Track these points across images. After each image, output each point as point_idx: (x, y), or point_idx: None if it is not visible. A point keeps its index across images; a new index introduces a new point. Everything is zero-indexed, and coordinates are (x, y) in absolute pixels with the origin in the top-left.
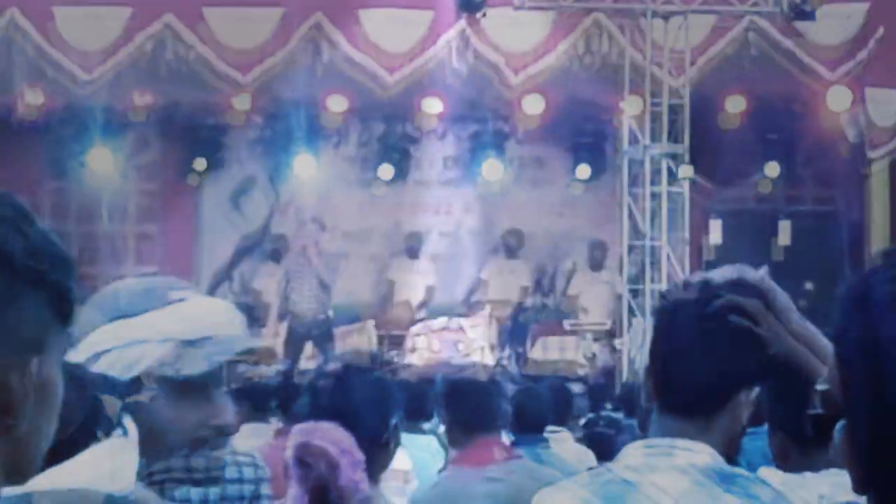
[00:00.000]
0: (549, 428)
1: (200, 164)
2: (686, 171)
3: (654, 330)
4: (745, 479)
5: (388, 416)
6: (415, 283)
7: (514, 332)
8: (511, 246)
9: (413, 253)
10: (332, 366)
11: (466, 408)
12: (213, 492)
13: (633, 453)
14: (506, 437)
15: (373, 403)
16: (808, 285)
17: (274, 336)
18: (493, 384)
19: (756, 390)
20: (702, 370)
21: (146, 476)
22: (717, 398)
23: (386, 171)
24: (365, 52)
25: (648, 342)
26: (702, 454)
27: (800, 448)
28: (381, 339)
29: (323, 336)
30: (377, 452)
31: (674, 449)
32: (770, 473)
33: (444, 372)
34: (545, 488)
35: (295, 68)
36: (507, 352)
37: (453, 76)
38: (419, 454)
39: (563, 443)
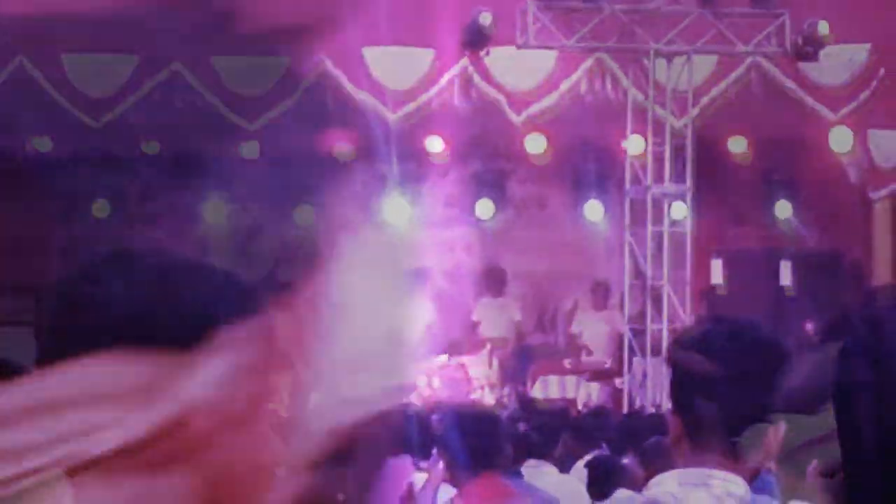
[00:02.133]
0: (530, 462)
1: (209, 209)
2: (681, 210)
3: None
4: None
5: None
6: (415, 321)
7: (515, 370)
8: (494, 284)
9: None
10: None
11: (468, 446)
12: None
13: (667, 482)
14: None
15: None
16: (809, 326)
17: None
18: (494, 423)
19: (783, 427)
20: (733, 403)
21: None
22: (749, 432)
23: (388, 209)
24: (368, 90)
25: (650, 381)
26: (737, 485)
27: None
28: None
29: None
30: None
31: (711, 479)
32: None
33: (446, 409)
34: None
35: (301, 115)
36: (506, 390)
37: (456, 115)
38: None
39: (545, 476)
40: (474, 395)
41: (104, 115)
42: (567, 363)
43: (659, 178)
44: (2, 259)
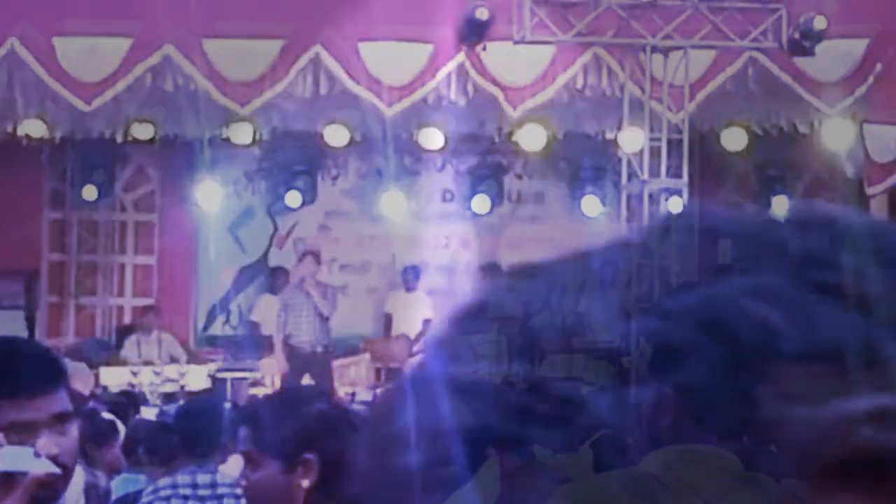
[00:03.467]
0: None
1: (200, 194)
2: (677, 205)
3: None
4: (770, 482)
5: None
6: (412, 316)
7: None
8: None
9: (411, 286)
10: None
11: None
12: None
13: (660, 458)
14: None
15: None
16: None
17: (276, 367)
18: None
19: None
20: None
21: (152, 492)
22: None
23: (384, 203)
24: (364, 85)
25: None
26: (731, 460)
27: None
28: (378, 372)
29: (321, 368)
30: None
31: (701, 453)
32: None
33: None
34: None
35: (294, 100)
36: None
37: (452, 109)
38: None
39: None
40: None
41: (95, 98)
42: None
43: (655, 173)
44: None
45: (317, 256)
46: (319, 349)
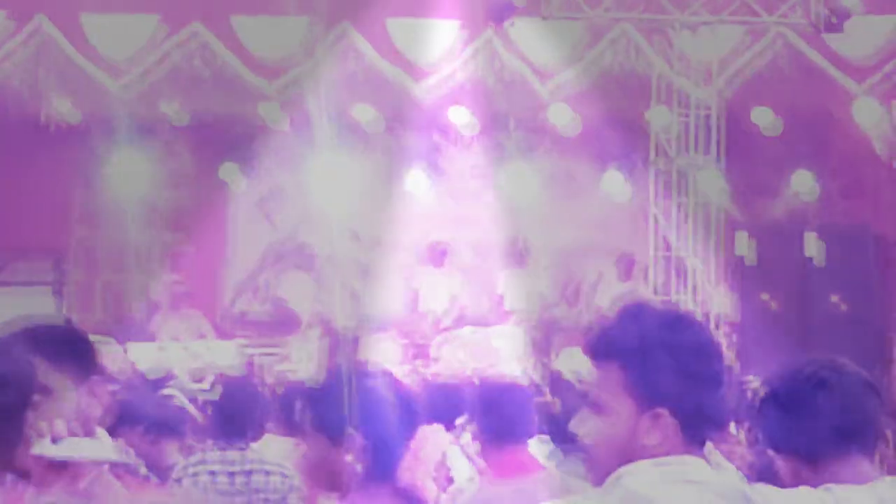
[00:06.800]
0: None
1: (229, 172)
2: (706, 181)
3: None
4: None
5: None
6: (440, 292)
7: (539, 342)
8: (518, 255)
9: (439, 262)
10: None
11: (494, 418)
12: (240, 481)
13: (645, 472)
14: (537, 447)
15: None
16: (834, 298)
17: (305, 343)
18: (520, 394)
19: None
20: None
21: (181, 468)
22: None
23: (413, 180)
24: (392, 62)
25: None
26: (730, 477)
27: (810, 467)
28: (406, 348)
29: (353, 346)
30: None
31: (685, 466)
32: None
33: (474, 381)
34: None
35: (322, 77)
36: (532, 362)
37: (481, 86)
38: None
39: None
40: (499, 368)
41: (123, 75)
42: None
43: (684, 150)
44: (22, 222)
45: (353, 233)
46: (351, 326)
